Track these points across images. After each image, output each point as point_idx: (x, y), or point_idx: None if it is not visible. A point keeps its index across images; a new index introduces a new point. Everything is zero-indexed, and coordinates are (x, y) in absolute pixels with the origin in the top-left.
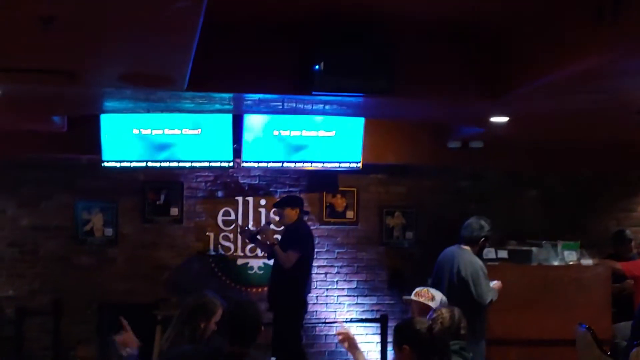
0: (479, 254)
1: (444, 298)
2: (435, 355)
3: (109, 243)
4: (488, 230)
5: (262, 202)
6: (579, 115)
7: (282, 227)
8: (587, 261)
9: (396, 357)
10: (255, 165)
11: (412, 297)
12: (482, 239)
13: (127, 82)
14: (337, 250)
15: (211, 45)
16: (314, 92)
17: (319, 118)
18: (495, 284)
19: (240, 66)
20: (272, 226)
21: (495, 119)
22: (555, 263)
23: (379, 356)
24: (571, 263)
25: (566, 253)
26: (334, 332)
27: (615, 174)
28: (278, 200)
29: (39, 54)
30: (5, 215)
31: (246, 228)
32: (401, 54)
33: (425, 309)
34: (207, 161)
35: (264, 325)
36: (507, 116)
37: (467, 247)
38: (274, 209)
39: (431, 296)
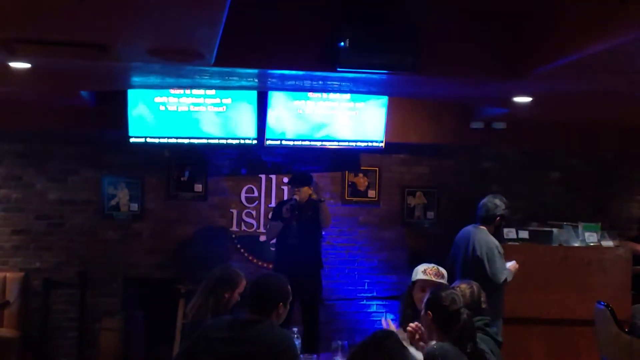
0: (496, 233)
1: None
2: (457, 331)
3: (134, 218)
4: (504, 208)
5: (285, 180)
6: (602, 96)
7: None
8: (608, 243)
9: (422, 316)
10: (279, 143)
11: (422, 276)
12: (498, 218)
13: (156, 56)
14: (358, 229)
15: (238, 20)
16: (339, 69)
17: (343, 96)
18: (511, 264)
19: (266, 42)
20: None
21: (518, 99)
22: (576, 244)
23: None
24: (592, 244)
25: (587, 234)
26: (354, 309)
27: (638, 156)
28: (293, 177)
29: (71, 27)
30: (34, 188)
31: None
32: (427, 31)
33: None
34: (232, 138)
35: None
36: (531, 96)
37: (483, 227)
38: (292, 187)
39: (441, 273)
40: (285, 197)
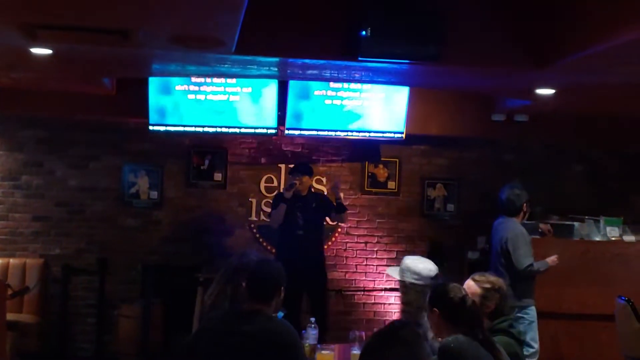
0: (527, 218)
1: (431, 271)
2: (464, 325)
3: (154, 206)
4: (525, 194)
5: None
6: (627, 89)
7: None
8: (630, 237)
9: (428, 315)
10: (298, 133)
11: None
12: (524, 204)
13: (177, 44)
14: (377, 220)
15: (259, 8)
16: (360, 58)
17: (364, 87)
18: (550, 258)
19: (287, 31)
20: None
21: (541, 91)
22: (598, 238)
23: None
24: (613, 239)
25: (608, 229)
26: (372, 301)
27: None
28: (294, 167)
29: (93, 13)
30: (54, 175)
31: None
32: (449, 21)
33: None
34: (252, 127)
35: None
36: (554, 88)
37: (512, 217)
38: (292, 176)
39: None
40: (305, 188)
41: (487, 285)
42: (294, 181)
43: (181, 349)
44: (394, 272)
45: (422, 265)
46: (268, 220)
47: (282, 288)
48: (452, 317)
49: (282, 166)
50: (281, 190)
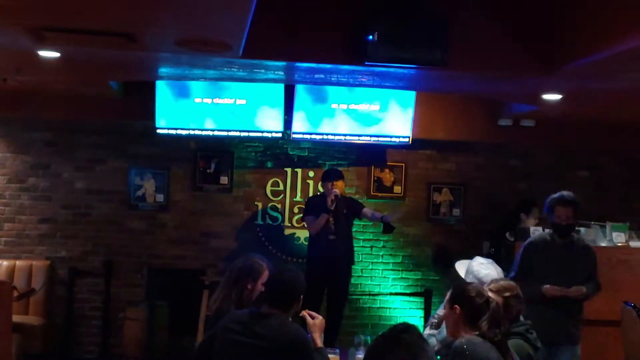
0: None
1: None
2: (485, 325)
3: (160, 209)
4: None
5: (311, 174)
6: (634, 94)
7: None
8: (636, 243)
9: (446, 313)
10: (305, 137)
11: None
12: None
13: (184, 47)
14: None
15: (266, 12)
16: (366, 63)
17: (370, 92)
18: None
19: (294, 35)
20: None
21: (548, 96)
22: (604, 244)
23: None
24: (620, 244)
25: (615, 234)
26: (377, 305)
27: None
28: (330, 172)
29: (100, 16)
30: (61, 178)
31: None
32: (456, 26)
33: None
34: (258, 131)
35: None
36: (561, 94)
37: None
38: (328, 181)
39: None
40: (311, 192)
41: (507, 294)
42: (334, 191)
43: (200, 345)
44: (461, 268)
45: (485, 272)
46: (274, 223)
47: (301, 297)
48: (474, 317)
49: (288, 170)
50: (310, 195)
